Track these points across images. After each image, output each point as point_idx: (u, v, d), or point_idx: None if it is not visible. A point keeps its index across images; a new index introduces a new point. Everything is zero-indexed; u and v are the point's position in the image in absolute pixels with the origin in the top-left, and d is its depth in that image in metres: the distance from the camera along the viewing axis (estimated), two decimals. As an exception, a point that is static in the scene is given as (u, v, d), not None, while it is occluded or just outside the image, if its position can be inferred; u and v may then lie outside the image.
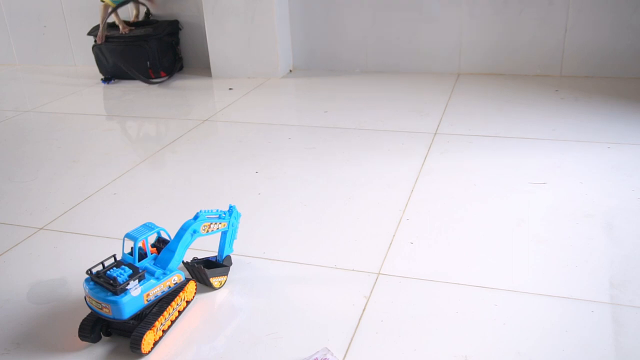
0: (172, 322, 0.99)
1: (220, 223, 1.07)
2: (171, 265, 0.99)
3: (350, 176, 1.52)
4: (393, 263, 1.13)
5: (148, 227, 1.00)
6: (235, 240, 1.12)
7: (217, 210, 1.07)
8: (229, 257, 1.12)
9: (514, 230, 1.22)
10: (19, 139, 1.99)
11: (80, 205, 1.45)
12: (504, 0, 2.27)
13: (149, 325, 0.92)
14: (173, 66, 2.62)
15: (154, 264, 1.00)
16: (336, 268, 1.12)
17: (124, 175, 1.61)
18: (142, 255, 1.00)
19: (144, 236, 0.98)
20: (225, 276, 1.10)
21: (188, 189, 1.51)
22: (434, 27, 2.39)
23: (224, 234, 1.09)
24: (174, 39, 2.64)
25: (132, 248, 0.97)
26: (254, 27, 2.30)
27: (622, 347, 0.88)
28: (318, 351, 0.88)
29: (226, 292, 1.08)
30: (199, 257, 1.11)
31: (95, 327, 0.95)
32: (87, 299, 0.95)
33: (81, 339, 0.95)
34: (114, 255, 0.99)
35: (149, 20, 2.64)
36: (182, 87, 2.49)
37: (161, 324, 0.95)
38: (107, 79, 2.55)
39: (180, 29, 2.67)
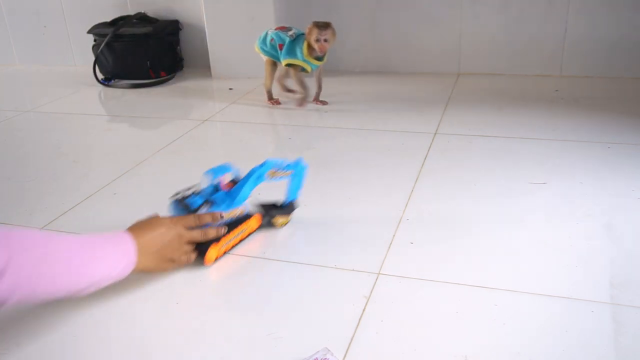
0: (234, 246, 1.18)
1: (285, 171, 1.21)
2: (238, 199, 1.17)
3: (350, 176, 1.52)
4: (393, 263, 1.13)
5: (225, 167, 1.22)
6: (299, 190, 1.25)
7: (283, 160, 1.22)
8: (293, 203, 1.26)
9: (514, 230, 1.23)
10: (19, 139, 1.99)
11: (80, 205, 1.45)
12: (504, 0, 2.27)
13: (215, 241, 1.13)
14: (173, 66, 2.62)
15: (225, 197, 1.19)
16: (336, 268, 1.12)
17: (124, 175, 1.61)
18: (217, 189, 1.20)
19: (221, 174, 1.20)
20: (289, 216, 1.27)
21: (188, 189, 1.51)
22: (433, 27, 2.39)
23: (290, 180, 1.23)
24: (174, 39, 2.64)
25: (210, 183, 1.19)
26: (254, 27, 2.30)
27: (622, 347, 0.88)
28: (318, 351, 0.88)
29: (225, 292, 1.08)
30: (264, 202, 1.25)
31: None
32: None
33: None
34: (195, 186, 1.20)
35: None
36: (182, 87, 2.49)
37: (225, 243, 1.15)
38: (107, 79, 2.55)
39: (180, 29, 2.67)
